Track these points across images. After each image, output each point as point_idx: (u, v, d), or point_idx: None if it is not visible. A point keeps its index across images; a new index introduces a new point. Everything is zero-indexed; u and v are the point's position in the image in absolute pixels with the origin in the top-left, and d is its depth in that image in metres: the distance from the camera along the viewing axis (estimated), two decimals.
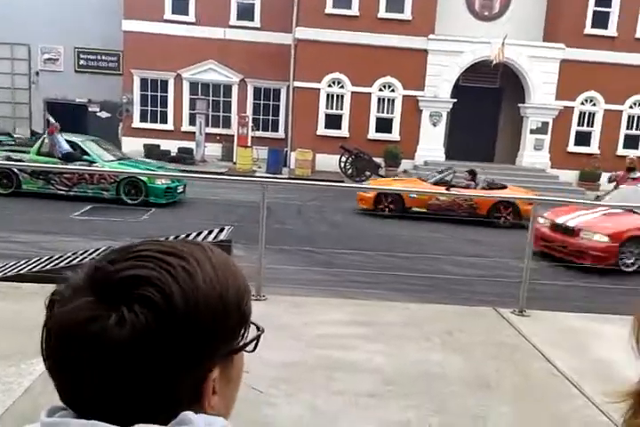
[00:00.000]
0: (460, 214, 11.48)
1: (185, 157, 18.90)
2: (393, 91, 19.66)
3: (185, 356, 0.56)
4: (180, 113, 21.11)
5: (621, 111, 19.93)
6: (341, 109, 19.69)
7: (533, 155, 19.78)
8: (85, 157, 11.25)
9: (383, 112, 19.78)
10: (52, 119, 12.76)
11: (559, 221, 8.71)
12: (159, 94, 21.12)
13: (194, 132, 19.57)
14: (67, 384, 0.56)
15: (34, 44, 21.87)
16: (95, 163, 11.19)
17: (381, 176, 17.78)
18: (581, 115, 20.08)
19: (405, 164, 19.03)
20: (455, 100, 19.22)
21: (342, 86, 19.56)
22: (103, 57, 22.20)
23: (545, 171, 19.39)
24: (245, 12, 20.77)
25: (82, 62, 22.34)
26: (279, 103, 21.38)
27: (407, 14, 19.10)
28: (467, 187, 11.89)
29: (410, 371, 3.54)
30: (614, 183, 11.26)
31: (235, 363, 0.62)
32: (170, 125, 21.16)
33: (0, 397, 2.88)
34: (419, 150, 19.47)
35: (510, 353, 3.98)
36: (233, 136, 19.86)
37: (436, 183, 12.01)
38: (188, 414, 0.55)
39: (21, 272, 5.21)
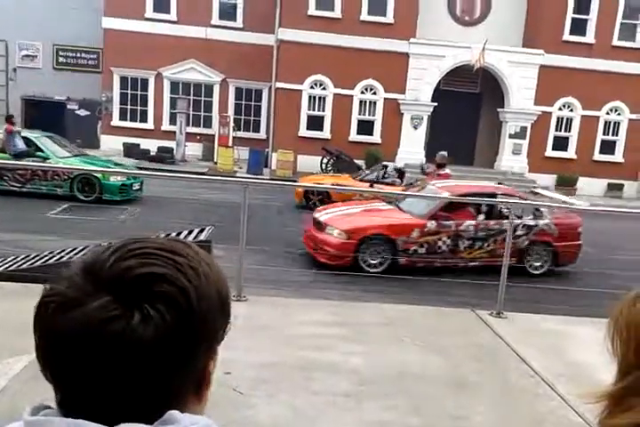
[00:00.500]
0: None
1: (165, 156, 18.75)
2: (375, 93, 19.75)
3: (197, 351, 0.58)
4: (161, 112, 20.95)
5: (598, 117, 20.28)
6: (323, 111, 19.72)
7: (512, 159, 20.03)
8: (39, 153, 11.17)
9: (365, 114, 19.86)
10: (13, 118, 12.57)
11: (317, 215, 7.99)
12: (139, 93, 20.94)
13: (174, 132, 19.42)
14: (71, 385, 0.56)
15: (11, 40, 21.51)
16: (49, 159, 11.07)
17: None
18: (559, 120, 20.39)
19: None
20: (436, 104, 19.38)
21: (324, 88, 19.60)
22: (83, 54, 21.94)
23: (523, 175, 19.66)
24: (227, 12, 20.71)
25: (61, 59, 22.05)
26: (261, 104, 21.35)
27: (389, 17, 19.22)
28: (392, 184, 12.56)
29: (388, 371, 3.55)
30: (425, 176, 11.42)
31: (216, 356, 0.64)
32: (150, 124, 20.99)
33: None
34: (399, 153, 19.59)
35: (488, 354, 4.02)
36: (214, 136, 19.77)
37: (364, 180, 12.63)
38: (174, 413, 0.55)
39: None
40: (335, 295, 5.39)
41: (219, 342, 0.63)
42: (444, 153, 11.12)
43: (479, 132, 21.10)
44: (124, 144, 19.78)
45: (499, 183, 10.07)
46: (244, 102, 21.38)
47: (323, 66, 18.98)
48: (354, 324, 4.32)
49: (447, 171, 10.85)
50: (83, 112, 21.34)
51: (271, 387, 3.18)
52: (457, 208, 8.02)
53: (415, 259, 7.45)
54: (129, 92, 20.92)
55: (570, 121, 20.40)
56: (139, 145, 19.73)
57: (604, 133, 20.46)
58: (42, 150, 11.32)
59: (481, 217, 7.95)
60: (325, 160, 18.03)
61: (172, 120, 20.19)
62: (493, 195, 8.06)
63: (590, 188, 19.61)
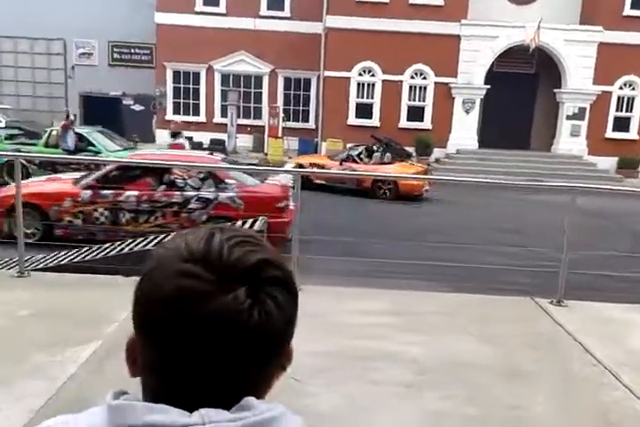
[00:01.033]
0: (350, 186, 12.87)
1: (217, 148, 19.05)
2: (425, 78, 19.41)
3: (292, 334, 0.61)
4: (212, 105, 21.26)
5: None
6: (372, 98, 19.54)
7: (570, 141, 19.32)
8: (91, 147, 11.57)
9: (415, 100, 19.56)
10: (71, 115, 13.00)
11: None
12: (191, 86, 21.31)
13: (225, 124, 19.70)
14: (179, 374, 0.57)
15: (69, 38, 22.27)
16: (100, 153, 11.44)
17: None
18: (620, 100, 19.50)
19: (437, 152, 18.83)
20: (489, 87, 18.88)
21: (373, 75, 19.40)
22: (136, 50, 22.49)
23: (582, 158, 18.94)
24: (275, 2, 20.73)
25: (115, 56, 22.68)
26: (309, 93, 21.35)
27: (439, 0, 18.78)
28: (357, 161, 13.71)
29: (446, 361, 3.53)
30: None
31: None
32: (202, 117, 21.35)
33: (45, 384, 2.97)
34: (451, 139, 19.22)
35: (548, 343, 3.93)
36: (264, 127, 19.93)
37: (341, 159, 13.77)
38: (251, 399, 0.57)
39: (62, 263, 5.36)
40: (393, 285, 5.36)
41: None
42: (179, 121, 12.75)
43: (535, 115, 20.44)
44: None
45: (210, 153, 9.59)
46: (292, 92, 21.43)
47: (371, 52, 18.78)
48: (410, 313, 4.30)
49: (181, 140, 12.16)
50: (138, 107, 21.93)
51: (329, 376, 3.22)
52: (138, 178, 7.52)
53: (73, 231, 7.09)
54: (181, 86, 21.33)
55: (631, 100, 19.48)
56: (192, 138, 20.12)
57: None
58: (93, 145, 11.73)
59: (161, 188, 7.41)
60: (375, 148, 17.88)
61: (224, 112, 20.47)
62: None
63: None
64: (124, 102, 22.03)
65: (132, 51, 22.56)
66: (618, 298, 5.25)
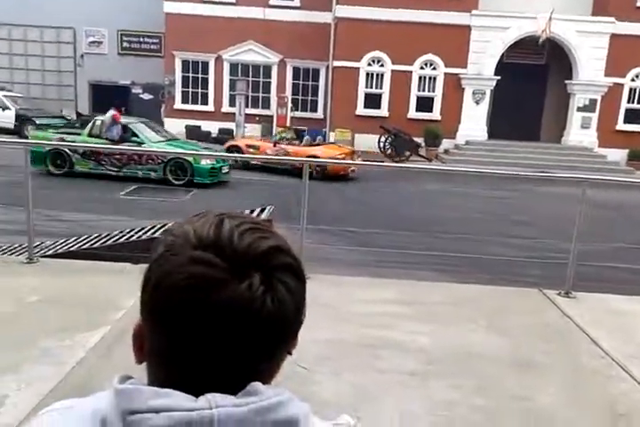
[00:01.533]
0: (286, 167, 13.14)
1: (226, 137, 19.04)
2: (434, 69, 19.27)
3: (302, 321, 0.61)
4: (221, 94, 21.22)
5: None
6: (381, 88, 19.44)
7: (580, 133, 19.17)
8: (134, 138, 11.56)
9: (424, 91, 19.45)
10: (112, 111, 12.65)
11: None
12: (200, 76, 21.27)
13: (234, 113, 19.67)
14: (188, 361, 0.57)
15: (78, 27, 22.26)
16: (144, 144, 11.44)
17: (421, 156, 17.57)
18: (632, 91, 19.29)
19: (446, 143, 18.74)
20: (499, 78, 18.73)
21: (382, 65, 19.28)
22: (145, 39, 22.46)
23: (592, 150, 18.80)
24: None
25: (125, 45, 22.66)
26: (318, 83, 21.26)
27: None
28: (290, 144, 14.75)
29: (454, 351, 3.52)
30: None
31: None
32: (210, 107, 21.32)
33: (55, 368, 2.99)
34: (460, 130, 19.11)
35: (556, 335, 3.92)
36: (272, 117, 19.89)
37: (274, 142, 14.82)
38: (257, 384, 0.56)
39: (71, 249, 5.38)
40: (400, 275, 5.36)
41: None
42: None
43: (545, 106, 20.28)
44: (186, 126, 20.22)
45: None
46: (301, 82, 21.35)
47: (380, 42, 18.65)
48: (418, 302, 4.30)
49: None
50: (146, 96, 21.95)
51: (335, 364, 3.22)
52: None
53: None
54: (190, 75, 21.29)
55: None
56: (200, 127, 20.12)
57: None
58: (137, 136, 11.70)
59: None
60: (383, 139, 17.83)
61: (232, 102, 20.43)
62: None
63: None
64: (133, 91, 22.05)
65: (142, 40, 22.53)
66: (627, 290, 5.22)
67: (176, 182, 11.20)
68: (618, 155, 18.45)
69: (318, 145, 15.18)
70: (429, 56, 19.03)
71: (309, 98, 21.48)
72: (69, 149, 11.32)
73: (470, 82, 19.04)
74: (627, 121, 19.35)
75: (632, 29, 18.24)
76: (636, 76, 19.15)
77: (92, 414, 0.56)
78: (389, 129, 17.67)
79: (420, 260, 6.48)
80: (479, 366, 3.35)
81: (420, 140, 17.97)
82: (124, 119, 12.30)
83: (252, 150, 14.31)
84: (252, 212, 6.37)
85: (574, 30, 18.45)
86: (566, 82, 19.23)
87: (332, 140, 18.52)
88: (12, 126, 18.14)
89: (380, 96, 19.45)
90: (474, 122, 19.03)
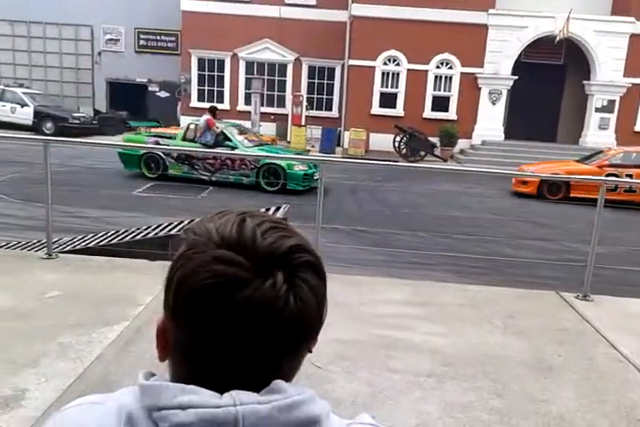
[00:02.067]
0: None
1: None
2: (450, 68, 19.17)
3: (322, 322, 0.61)
4: (237, 92, 21.29)
5: None
6: (397, 88, 19.38)
7: (598, 134, 18.96)
8: (228, 142, 11.23)
9: (440, 90, 19.35)
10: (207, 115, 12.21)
11: None
12: (216, 74, 21.35)
13: (249, 112, 19.71)
14: (210, 358, 0.57)
15: (96, 24, 22.43)
16: (237, 148, 11.10)
17: (437, 156, 17.49)
18: None
19: (462, 143, 18.63)
20: (516, 78, 18.58)
21: (398, 64, 19.22)
22: (162, 37, 22.58)
23: None
24: None
25: (142, 42, 22.80)
26: (333, 82, 21.24)
27: None
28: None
29: (470, 353, 3.51)
30: None
31: None
32: (226, 105, 21.39)
33: (72, 364, 3.02)
34: (476, 130, 19.00)
35: (573, 338, 3.88)
36: (287, 115, 19.91)
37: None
38: (280, 382, 0.57)
39: (89, 246, 5.43)
40: (413, 275, 5.35)
41: None
42: None
43: (563, 107, 20.09)
44: None
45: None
46: (316, 81, 21.35)
47: (396, 41, 18.59)
48: (433, 304, 4.28)
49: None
50: (163, 94, 22.07)
51: (350, 364, 3.22)
52: None
53: None
54: (206, 73, 21.38)
55: None
56: None
57: None
58: (230, 140, 11.35)
59: None
60: (398, 138, 17.78)
61: (247, 100, 20.47)
62: None
63: None
64: (150, 89, 22.18)
65: (158, 37, 22.66)
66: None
67: (269, 189, 10.89)
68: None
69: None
70: (446, 55, 18.94)
71: (325, 97, 21.47)
72: (163, 153, 11.27)
73: (487, 81, 18.92)
74: None
75: None
76: None
77: (118, 409, 0.57)
78: (404, 129, 17.61)
79: (435, 261, 6.45)
80: (495, 368, 3.34)
81: (435, 140, 17.89)
82: (217, 123, 11.85)
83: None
84: (267, 210, 6.40)
85: (592, 30, 18.24)
86: (584, 82, 19.03)
87: (346, 139, 18.51)
88: (30, 123, 18.33)
89: (395, 95, 19.39)
90: (490, 122, 18.90)
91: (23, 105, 18.62)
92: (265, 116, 19.86)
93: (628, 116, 18.88)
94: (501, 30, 18.46)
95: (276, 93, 21.27)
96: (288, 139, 18.97)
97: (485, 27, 18.56)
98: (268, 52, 20.95)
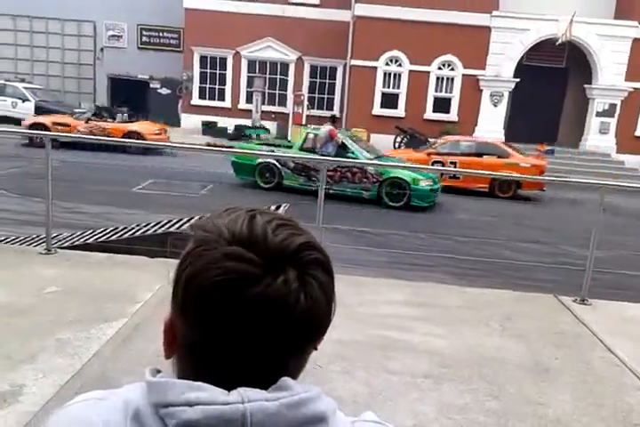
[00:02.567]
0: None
1: (244, 134, 19.04)
2: (452, 69, 19.18)
3: (330, 320, 0.61)
4: (238, 90, 21.28)
5: None
6: (398, 88, 19.39)
7: (598, 138, 18.99)
8: (349, 154, 10.71)
9: (441, 91, 19.36)
10: (328, 125, 11.85)
11: None
12: (218, 72, 21.34)
13: (250, 110, 19.72)
14: (218, 354, 0.57)
15: (99, 20, 22.41)
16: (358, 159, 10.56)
17: None
18: None
19: None
20: (518, 80, 18.60)
21: (400, 65, 19.22)
22: (165, 34, 22.57)
23: (610, 156, 18.60)
24: None
25: (144, 39, 22.78)
26: (335, 81, 21.25)
27: None
28: (105, 120, 15.50)
29: (467, 355, 3.51)
30: None
31: None
32: (227, 103, 21.39)
33: (70, 361, 3.02)
34: (477, 131, 19.00)
35: (570, 341, 3.89)
36: (288, 114, 19.90)
37: (87, 118, 15.37)
38: (287, 380, 0.57)
39: (88, 242, 5.43)
40: (412, 277, 5.35)
41: None
42: None
43: (564, 110, 20.11)
44: (202, 122, 20.30)
45: None
46: (318, 80, 21.35)
47: (399, 42, 18.60)
48: (432, 305, 4.29)
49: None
50: (164, 91, 22.06)
51: (349, 364, 3.22)
52: None
53: None
54: (208, 71, 21.36)
55: None
56: (216, 123, 20.18)
57: None
58: (352, 152, 10.79)
59: None
60: (399, 139, 17.79)
61: (249, 99, 20.48)
62: None
63: None
64: (151, 86, 22.16)
65: (161, 34, 22.64)
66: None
67: (392, 204, 10.30)
68: (636, 161, 18.24)
69: (132, 122, 15.91)
70: (448, 57, 18.94)
71: (326, 96, 21.47)
72: (279, 163, 10.85)
73: (488, 84, 18.93)
74: None
75: None
76: None
77: (123, 405, 0.57)
78: (405, 129, 17.62)
79: (436, 262, 6.46)
80: (493, 370, 3.34)
81: (435, 141, 17.88)
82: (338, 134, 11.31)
83: (59, 128, 14.29)
84: (267, 209, 6.38)
85: (595, 33, 18.26)
86: (586, 86, 19.05)
87: None
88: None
89: (396, 96, 19.39)
90: (491, 124, 18.91)
91: (24, 100, 18.60)
92: (266, 115, 19.87)
93: (629, 121, 18.90)
94: (504, 32, 18.47)
95: (277, 92, 21.27)
96: (288, 138, 18.96)
97: (488, 29, 18.57)
98: (271, 50, 20.95)
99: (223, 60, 21.23)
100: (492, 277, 5.92)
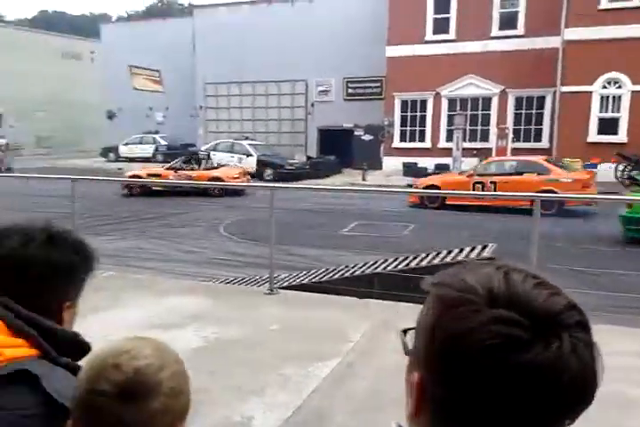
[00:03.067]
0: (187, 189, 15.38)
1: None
2: None
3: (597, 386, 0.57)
4: (438, 130, 21.36)
5: None
6: (618, 112, 17.65)
7: None
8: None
9: None
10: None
11: None
12: (418, 114, 21.73)
13: (450, 149, 19.59)
14: (475, 414, 0.55)
15: (310, 78, 24.62)
16: None
17: None
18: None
19: None
20: None
21: (620, 86, 17.55)
22: (368, 84, 23.84)
23: None
24: (508, 21, 20.15)
25: (350, 91, 24.35)
26: (543, 111, 20.17)
27: None
28: (191, 169, 16.49)
29: None
30: None
31: None
32: (427, 143, 21.56)
33: (291, 396, 3.19)
34: None
35: None
36: (490, 149, 19.32)
37: (175, 168, 16.58)
38: None
39: (304, 282, 5.79)
40: None
41: None
42: None
43: None
44: (403, 164, 20.76)
45: None
46: (524, 111, 20.49)
47: (617, 62, 17.05)
48: None
49: None
50: (367, 137, 23.10)
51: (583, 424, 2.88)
52: None
53: None
54: (408, 114, 21.89)
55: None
56: (416, 164, 20.44)
57: None
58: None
59: None
60: (621, 167, 16.04)
61: (449, 137, 20.39)
62: None
63: None
64: (355, 133, 23.38)
65: (364, 85, 23.95)
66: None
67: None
68: None
69: (216, 168, 16.84)
70: None
71: (532, 127, 20.44)
72: None
73: None
74: None
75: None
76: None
77: None
78: (629, 157, 15.86)
79: None
80: None
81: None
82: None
83: (153, 178, 15.74)
84: (472, 249, 6.16)
85: None
86: None
87: None
88: (253, 170, 20.56)
89: (616, 120, 17.66)
90: None
91: (248, 155, 21.02)
92: (467, 152, 19.53)
93: None
94: None
95: (479, 128, 20.85)
96: None
97: None
98: (472, 87, 20.73)
99: (423, 103, 21.56)
100: None
